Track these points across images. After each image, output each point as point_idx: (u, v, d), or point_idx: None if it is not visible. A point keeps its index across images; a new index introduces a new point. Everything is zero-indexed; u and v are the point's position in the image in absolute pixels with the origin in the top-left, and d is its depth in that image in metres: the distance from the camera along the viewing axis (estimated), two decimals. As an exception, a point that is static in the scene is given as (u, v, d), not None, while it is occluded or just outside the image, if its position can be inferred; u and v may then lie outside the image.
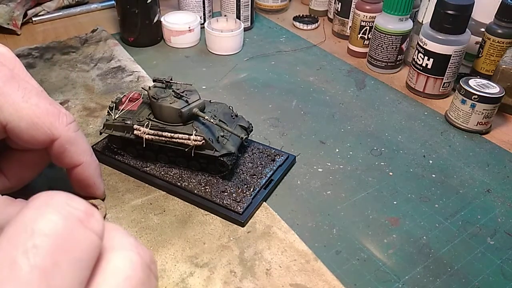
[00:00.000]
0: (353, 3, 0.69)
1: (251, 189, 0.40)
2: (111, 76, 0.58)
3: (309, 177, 0.44)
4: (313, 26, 0.76)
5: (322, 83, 0.60)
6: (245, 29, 0.72)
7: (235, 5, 0.70)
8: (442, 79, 0.56)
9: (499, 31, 0.54)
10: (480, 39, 0.57)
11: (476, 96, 0.49)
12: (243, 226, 0.37)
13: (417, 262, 0.36)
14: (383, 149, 0.48)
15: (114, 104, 0.42)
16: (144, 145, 0.40)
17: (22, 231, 0.16)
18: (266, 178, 0.41)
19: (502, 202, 0.42)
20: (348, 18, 0.71)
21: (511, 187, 0.44)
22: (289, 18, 0.78)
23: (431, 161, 0.47)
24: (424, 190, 0.43)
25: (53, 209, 0.17)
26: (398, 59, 0.62)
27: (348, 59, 0.66)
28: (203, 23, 0.69)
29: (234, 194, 0.39)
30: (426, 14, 0.60)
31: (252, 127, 0.44)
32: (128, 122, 0.40)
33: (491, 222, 0.40)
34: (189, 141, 0.38)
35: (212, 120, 0.38)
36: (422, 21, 0.61)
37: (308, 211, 0.40)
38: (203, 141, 0.38)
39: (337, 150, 0.47)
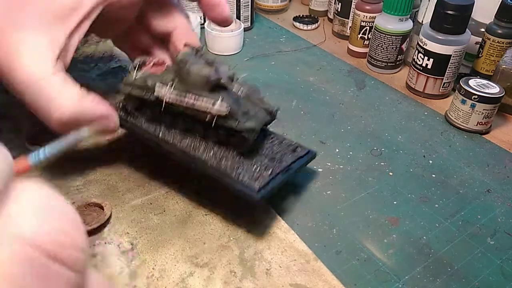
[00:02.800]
0: (353, 3, 0.69)
1: (270, 171, 0.37)
2: (111, 76, 0.58)
3: (309, 177, 0.44)
4: (313, 26, 0.76)
5: (322, 83, 0.60)
6: (245, 29, 0.72)
7: (235, 5, 0.70)
8: (442, 79, 0.56)
9: (499, 31, 0.54)
10: (480, 39, 0.57)
11: (476, 96, 0.49)
12: (259, 204, 0.34)
13: (417, 262, 0.36)
14: (383, 149, 0.48)
15: (138, 65, 0.40)
16: (162, 109, 0.37)
17: None
18: (286, 164, 0.38)
19: (502, 202, 0.42)
20: (348, 18, 0.71)
21: (511, 187, 0.44)
22: (289, 18, 0.78)
23: (431, 161, 0.47)
24: (424, 190, 0.43)
25: None
26: (398, 59, 0.62)
27: (348, 59, 0.66)
28: (203, 23, 0.69)
29: (251, 172, 0.36)
30: (426, 14, 0.60)
31: (277, 111, 0.40)
32: (150, 82, 0.38)
33: (491, 222, 0.40)
34: (212, 109, 0.35)
35: (239, 92, 0.35)
36: (422, 21, 0.61)
37: (308, 211, 0.40)
38: (228, 110, 0.35)
39: (337, 150, 0.47)
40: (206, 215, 0.39)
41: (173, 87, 0.36)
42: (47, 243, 0.11)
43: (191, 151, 0.38)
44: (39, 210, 0.12)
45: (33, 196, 0.12)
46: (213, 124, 0.36)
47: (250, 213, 0.39)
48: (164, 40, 0.45)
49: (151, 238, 0.36)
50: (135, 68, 0.40)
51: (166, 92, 0.36)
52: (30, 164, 0.15)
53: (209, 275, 0.33)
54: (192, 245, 0.36)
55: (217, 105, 0.35)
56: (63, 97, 0.34)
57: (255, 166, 0.37)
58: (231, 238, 0.37)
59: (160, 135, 0.39)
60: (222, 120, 0.36)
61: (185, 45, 0.38)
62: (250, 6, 0.72)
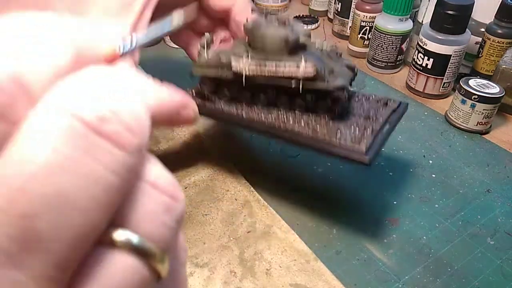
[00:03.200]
0: (353, 3, 0.69)
1: (369, 131, 0.34)
2: None
3: (309, 177, 0.44)
4: (313, 26, 0.76)
5: (322, 83, 0.60)
6: (245, 29, 0.72)
7: (235, 5, 0.70)
8: (442, 79, 0.56)
9: (499, 31, 0.54)
10: (480, 39, 0.57)
11: (476, 96, 0.49)
12: (369, 165, 0.32)
13: (417, 262, 0.36)
14: (383, 149, 0.48)
15: (206, 43, 0.37)
16: (244, 83, 0.34)
17: None
18: (383, 119, 0.35)
19: (502, 202, 0.42)
20: (348, 18, 0.71)
21: (511, 187, 0.44)
22: (289, 18, 0.78)
23: (431, 161, 0.47)
24: (424, 190, 0.43)
25: None
26: (398, 59, 0.62)
27: (348, 59, 0.66)
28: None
29: (351, 135, 0.33)
30: (426, 14, 0.60)
31: (357, 69, 0.38)
32: (224, 59, 0.35)
33: (491, 222, 0.40)
34: (298, 72, 0.32)
35: (325, 47, 0.33)
36: (422, 21, 0.61)
37: (308, 211, 0.40)
38: (315, 70, 0.32)
39: (337, 150, 0.47)
40: (206, 215, 0.39)
41: (249, 57, 0.34)
42: (90, 116, 0.11)
43: (281, 125, 0.35)
44: (97, 84, 0.12)
45: (96, 70, 0.12)
46: (300, 90, 0.33)
47: (250, 212, 0.39)
48: (224, 19, 0.43)
49: (151, 238, 0.36)
50: (203, 47, 0.37)
51: (244, 65, 0.34)
52: (119, 53, 0.15)
53: (209, 275, 0.33)
54: (192, 245, 0.36)
55: (302, 67, 0.32)
56: None
57: (353, 128, 0.34)
58: (231, 238, 0.37)
59: (244, 114, 0.37)
60: (310, 83, 0.33)
61: (252, 10, 0.36)
62: (250, 6, 0.72)
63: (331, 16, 0.77)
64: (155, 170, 0.13)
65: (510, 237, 0.38)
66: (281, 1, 0.80)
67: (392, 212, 0.40)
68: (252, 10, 0.37)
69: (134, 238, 0.12)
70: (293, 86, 0.33)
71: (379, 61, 0.62)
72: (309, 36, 0.35)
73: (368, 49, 0.64)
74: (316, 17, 0.78)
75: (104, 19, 0.33)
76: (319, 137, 0.34)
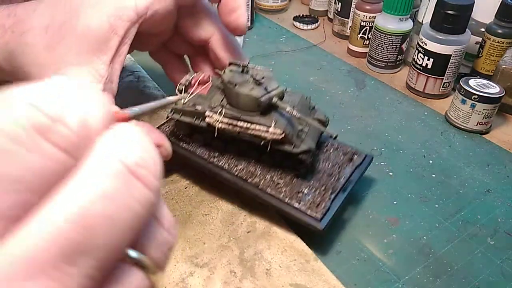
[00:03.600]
0: (353, 3, 0.69)
1: (329, 191, 0.36)
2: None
3: (309, 177, 0.44)
4: (313, 26, 0.76)
5: (322, 83, 0.60)
6: (245, 29, 0.72)
7: (235, 5, 0.70)
8: (442, 79, 0.56)
9: (499, 31, 0.54)
10: (480, 39, 0.57)
11: (476, 96, 0.49)
12: (322, 234, 0.34)
13: (417, 262, 0.36)
14: (383, 149, 0.48)
15: (184, 87, 0.39)
16: (215, 135, 0.36)
17: None
18: (345, 179, 0.37)
19: (502, 202, 0.42)
20: (348, 18, 0.71)
21: (511, 187, 0.44)
22: (289, 18, 0.78)
23: (431, 161, 0.47)
24: (424, 190, 0.43)
25: (5, 110, 0.13)
26: (398, 59, 0.62)
27: (348, 59, 0.66)
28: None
29: (311, 196, 0.35)
30: (426, 14, 0.60)
31: (328, 120, 0.40)
32: (199, 108, 0.36)
33: (491, 222, 0.40)
34: (267, 134, 0.34)
35: (294, 112, 0.33)
36: (422, 21, 0.61)
37: (308, 211, 0.40)
38: (283, 135, 0.34)
39: (337, 150, 0.47)
40: (206, 215, 0.39)
41: (223, 113, 0.35)
42: (133, 166, 0.15)
43: (248, 177, 0.37)
44: (130, 138, 0.15)
45: (127, 128, 0.16)
46: (268, 149, 0.35)
47: (250, 212, 0.39)
48: (203, 46, 0.45)
49: (151, 238, 0.36)
50: (181, 91, 0.39)
51: (217, 119, 0.35)
52: (128, 115, 0.18)
53: (209, 275, 0.33)
54: (192, 245, 0.36)
55: (271, 130, 0.34)
56: None
57: (314, 188, 0.36)
58: (231, 238, 0.37)
59: (214, 161, 0.38)
60: (277, 144, 0.35)
61: (230, 64, 0.37)
62: (250, 6, 0.71)
63: (331, 16, 0.77)
64: (162, 210, 0.18)
65: (510, 237, 0.38)
66: (281, 1, 0.80)
67: (392, 212, 0.40)
68: (229, 64, 0.38)
69: (143, 257, 0.16)
70: (261, 144, 0.35)
71: (379, 61, 0.62)
72: (283, 95, 0.36)
73: (368, 49, 0.64)
74: (316, 17, 0.78)
75: (77, 58, 0.35)
76: (280, 197, 0.35)
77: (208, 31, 0.43)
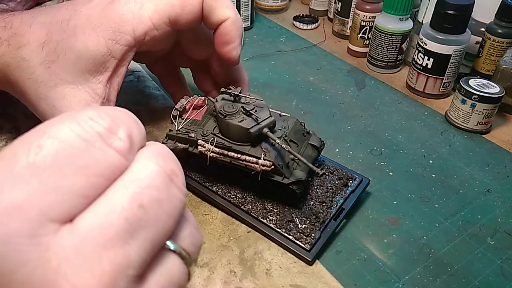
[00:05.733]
0: (353, 3, 0.69)
1: (320, 221, 0.36)
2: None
3: (309, 177, 0.43)
4: (313, 26, 0.76)
5: (322, 83, 0.60)
6: (245, 29, 0.72)
7: (235, 5, 0.70)
8: (442, 79, 0.56)
9: (499, 31, 0.54)
10: (480, 39, 0.57)
11: (476, 96, 0.49)
12: (310, 264, 0.35)
13: (417, 262, 0.36)
14: (383, 149, 0.48)
15: (178, 113, 0.40)
16: (208, 163, 0.37)
17: (35, 132, 0.17)
18: (337, 207, 0.38)
19: (502, 202, 0.42)
20: (348, 18, 0.71)
21: (511, 187, 0.44)
22: (289, 18, 0.78)
23: (431, 161, 0.47)
24: (424, 190, 0.43)
25: (74, 120, 0.18)
26: (398, 59, 0.62)
27: (348, 59, 0.66)
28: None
29: (301, 226, 0.36)
30: (426, 14, 0.60)
31: (324, 145, 0.40)
32: (192, 135, 0.38)
33: (491, 222, 0.40)
34: (256, 166, 0.35)
35: (283, 145, 0.34)
36: (422, 21, 0.61)
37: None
38: (272, 166, 0.35)
39: (337, 150, 0.47)
40: (206, 215, 0.39)
41: (214, 142, 0.36)
42: (169, 172, 0.19)
43: (241, 204, 0.38)
44: (164, 153, 0.20)
45: (159, 146, 0.20)
46: (259, 179, 0.36)
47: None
48: (204, 61, 0.45)
49: (151, 238, 0.36)
50: (175, 117, 0.40)
51: (208, 149, 0.36)
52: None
53: (209, 275, 0.33)
54: (192, 245, 0.36)
55: (260, 162, 0.35)
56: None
57: (305, 217, 0.37)
58: (231, 238, 0.37)
59: (208, 185, 0.39)
60: (268, 174, 0.35)
61: (222, 92, 0.38)
62: (250, 5, 0.72)
63: (331, 16, 0.77)
64: (188, 213, 0.21)
65: (510, 237, 0.38)
66: (281, 1, 0.80)
67: (392, 212, 0.40)
68: (221, 92, 0.38)
69: (181, 248, 0.20)
70: (252, 173, 0.36)
71: (379, 60, 0.62)
72: (274, 126, 0.36)
73: (368, 48, 0.64)
74: (316, 16, 0.78)
75: (75, 78, 0.36)
76: (272, 225, 0.36)
77: (209, 50, 0.43)
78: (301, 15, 0.78)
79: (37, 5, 0.74)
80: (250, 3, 0.71)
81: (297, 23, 0.75)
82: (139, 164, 0.18)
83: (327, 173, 0.41)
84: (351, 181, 0.40)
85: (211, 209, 0.39)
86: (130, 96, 0.54)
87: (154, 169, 0.18)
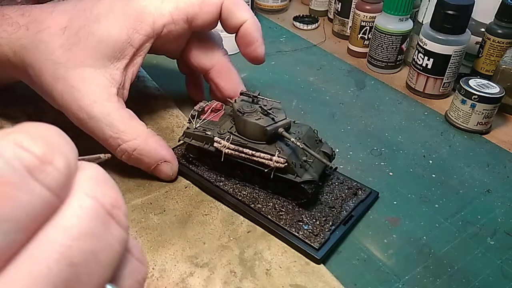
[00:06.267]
0: (353, 3, 0.69)
1: (330, 223, 0.37)
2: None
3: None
4: (313, 26, 0.76)
5: (322, 83, 0.60)
6: (245, 29, 0.72)
7: (235, 5, 0.70)
8: (442, 79, 0.56)
9: (499, 31, 0.54)
10: (480, 39, 0.57)
11: (476, 96, 0.49)
12: (318, 263, 0.34)
13: (417, 262, 0.36)
14: (383, 149, 0.48)
15: (197, 113, 0.41)
16: (222, 159, 0.38)
17: None
18: (346, 212, 0.38)
19: (502, 202, 0.42)
20: (348, 18, 0.71)
21: (511, 187, 0.44)
22: (289, 18, 0.78)
23: (431, 161, 0.47)
24: (424, 190, 0.43)
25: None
26: (398, 59, 0.62)
27: (348, 59, 0.66)
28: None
29: (311, 226, 0.36)
30: (426, 14, 0.60)
31: (335, 154, 0.41)
32: (209, 133, 0.39)
33: (491, 222, 0.40)
34: (270, 162, 0.35)
35: (298, 143, 0.35)
36: (422, 21, 0.61)
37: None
38: (286, 164, 0.35)
39: (337, 150, 0.47)
40: (206, 215, 0.39)
41: (230, 139, 0.37)
42: (109, 206, 0.16)
43: (251, 203, 0.38)
44: (101, 180, 0.16)
45: (96, 170, 0.17)
46: (272, 176, 0.36)
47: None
48: (200, 73, 0.47)
49: (151, 238, 0.36)
50: (194, 117, 0.41)
51: (224, 145, 0.37)
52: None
53: (209, 275, 0.33)
54: (192, 245, 0.36)
55: (274, 159, 0.35)
56: (130, 132, 0.38)
57: (314, 218, 0.37)
58: (231, 238, 0.37)
59: (220, 184, 0.40)
60: (281, 172, 0.36)
61: (241, 93, 0.39)
62: (250, 6, 0.71)
63: (331, 16, 0.77)
64: (132, 242, 0.18)
65: (510, 237, 0.38)
66: (281, 1, 0.80)
67: (392, 212, 0.40)
68: (240, 93, 0.39)
69: None
70: (265, 171, 0.36)
71: (379, 61, 0.62)
72: (289, 126, 0.37)
73: (368, 49, 0.64)
74: (316, 17, 0.78)
75: (95, 61, 0.38)
76: (281, 224, 0.36)
77: (210, 62, 0.45)
78: (301, 15, 0.78)
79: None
80: (250, 3, 0.71)
81: (297, 24, 0.75)
82: (73, 203, 0.15)
83: (336, 182, 0.41)
84: (360, 191, 0.40)
85: (211, 209, 0.39)
86: (130, 96, 0.54)
87: (90, 208, 0.15)
